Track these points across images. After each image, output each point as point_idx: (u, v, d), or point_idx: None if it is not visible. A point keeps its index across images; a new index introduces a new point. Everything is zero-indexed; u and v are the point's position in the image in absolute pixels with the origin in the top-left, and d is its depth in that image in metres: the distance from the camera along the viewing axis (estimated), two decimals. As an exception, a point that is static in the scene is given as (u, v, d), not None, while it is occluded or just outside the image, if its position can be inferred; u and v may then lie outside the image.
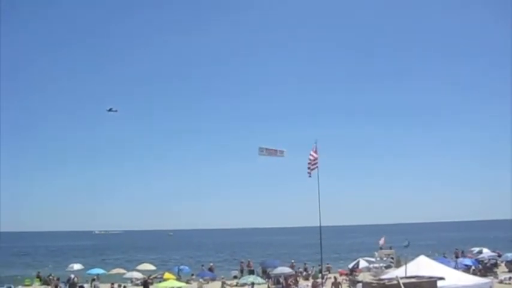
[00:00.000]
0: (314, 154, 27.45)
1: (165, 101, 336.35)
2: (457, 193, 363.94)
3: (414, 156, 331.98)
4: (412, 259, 23.01)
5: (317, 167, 26.89)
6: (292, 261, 50.63)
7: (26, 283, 46.09)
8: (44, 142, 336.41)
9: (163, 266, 57.61)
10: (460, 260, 44.86)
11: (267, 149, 31.16)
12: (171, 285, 36.08)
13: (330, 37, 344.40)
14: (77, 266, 50.82)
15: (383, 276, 21.68)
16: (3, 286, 43.13)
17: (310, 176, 27.42)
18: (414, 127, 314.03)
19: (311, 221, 38.92)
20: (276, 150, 31.17)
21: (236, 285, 41.52)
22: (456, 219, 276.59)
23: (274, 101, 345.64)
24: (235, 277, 46.91)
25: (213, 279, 44.51)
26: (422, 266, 21.73)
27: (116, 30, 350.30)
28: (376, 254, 48.36)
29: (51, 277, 46.50)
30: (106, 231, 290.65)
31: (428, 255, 25.10)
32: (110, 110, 50.95)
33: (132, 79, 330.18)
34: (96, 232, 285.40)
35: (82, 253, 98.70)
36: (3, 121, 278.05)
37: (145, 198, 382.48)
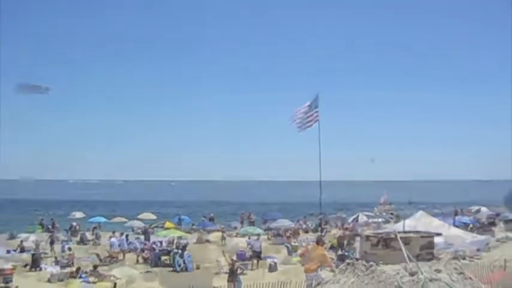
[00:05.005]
0: (308, 109, 26.44)
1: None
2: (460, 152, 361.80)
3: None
4: (412, 215, 23.10)
5: (318, 120, 26.45)
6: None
7: (29, 229, 46.45)
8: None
9: (164, 216, 57.64)
10: (459, 217, 45.06)
11: (28, 86, 29.22)
12: (171, 234, 36.31)
13: None
14: (78, 214, 51.18)
15: (381, 231, 21.84)
16: (5, 233, 43.33)
17: (299, 131, 26.68)
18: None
19: (313, 175, 38.52)
20: (39, 86, 28.48)
21: (236, 236, 41.79)
22: (458, 178, 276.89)
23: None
24: (235, 228, 47.39)
25: (214, 230, 44.82)
26: (421, 221, 21.88)
27: None
28: (376, 209, 48.84)
29: (56, 224, 46.65)
30: (84, 180, 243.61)
31: (427, 212, 25.15)
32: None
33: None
34: (71, 182, 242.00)
35: (74, 204, 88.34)
36: None
37: (143, 148, 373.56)
